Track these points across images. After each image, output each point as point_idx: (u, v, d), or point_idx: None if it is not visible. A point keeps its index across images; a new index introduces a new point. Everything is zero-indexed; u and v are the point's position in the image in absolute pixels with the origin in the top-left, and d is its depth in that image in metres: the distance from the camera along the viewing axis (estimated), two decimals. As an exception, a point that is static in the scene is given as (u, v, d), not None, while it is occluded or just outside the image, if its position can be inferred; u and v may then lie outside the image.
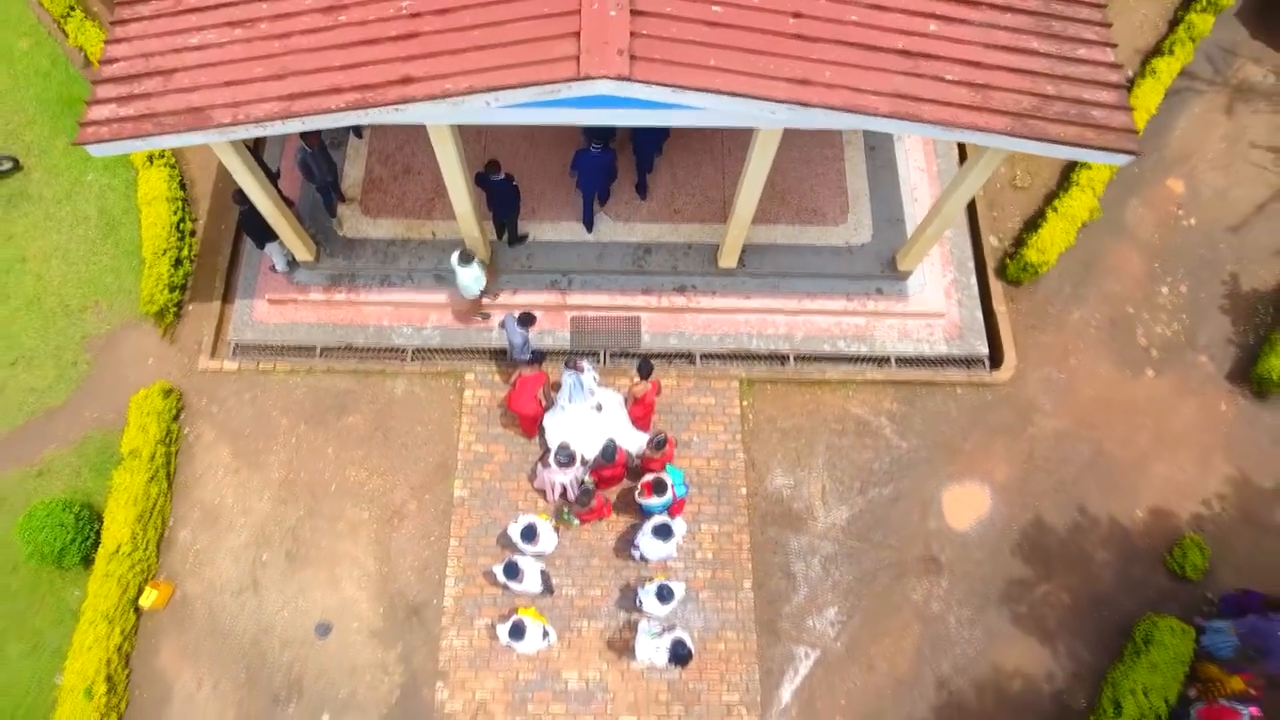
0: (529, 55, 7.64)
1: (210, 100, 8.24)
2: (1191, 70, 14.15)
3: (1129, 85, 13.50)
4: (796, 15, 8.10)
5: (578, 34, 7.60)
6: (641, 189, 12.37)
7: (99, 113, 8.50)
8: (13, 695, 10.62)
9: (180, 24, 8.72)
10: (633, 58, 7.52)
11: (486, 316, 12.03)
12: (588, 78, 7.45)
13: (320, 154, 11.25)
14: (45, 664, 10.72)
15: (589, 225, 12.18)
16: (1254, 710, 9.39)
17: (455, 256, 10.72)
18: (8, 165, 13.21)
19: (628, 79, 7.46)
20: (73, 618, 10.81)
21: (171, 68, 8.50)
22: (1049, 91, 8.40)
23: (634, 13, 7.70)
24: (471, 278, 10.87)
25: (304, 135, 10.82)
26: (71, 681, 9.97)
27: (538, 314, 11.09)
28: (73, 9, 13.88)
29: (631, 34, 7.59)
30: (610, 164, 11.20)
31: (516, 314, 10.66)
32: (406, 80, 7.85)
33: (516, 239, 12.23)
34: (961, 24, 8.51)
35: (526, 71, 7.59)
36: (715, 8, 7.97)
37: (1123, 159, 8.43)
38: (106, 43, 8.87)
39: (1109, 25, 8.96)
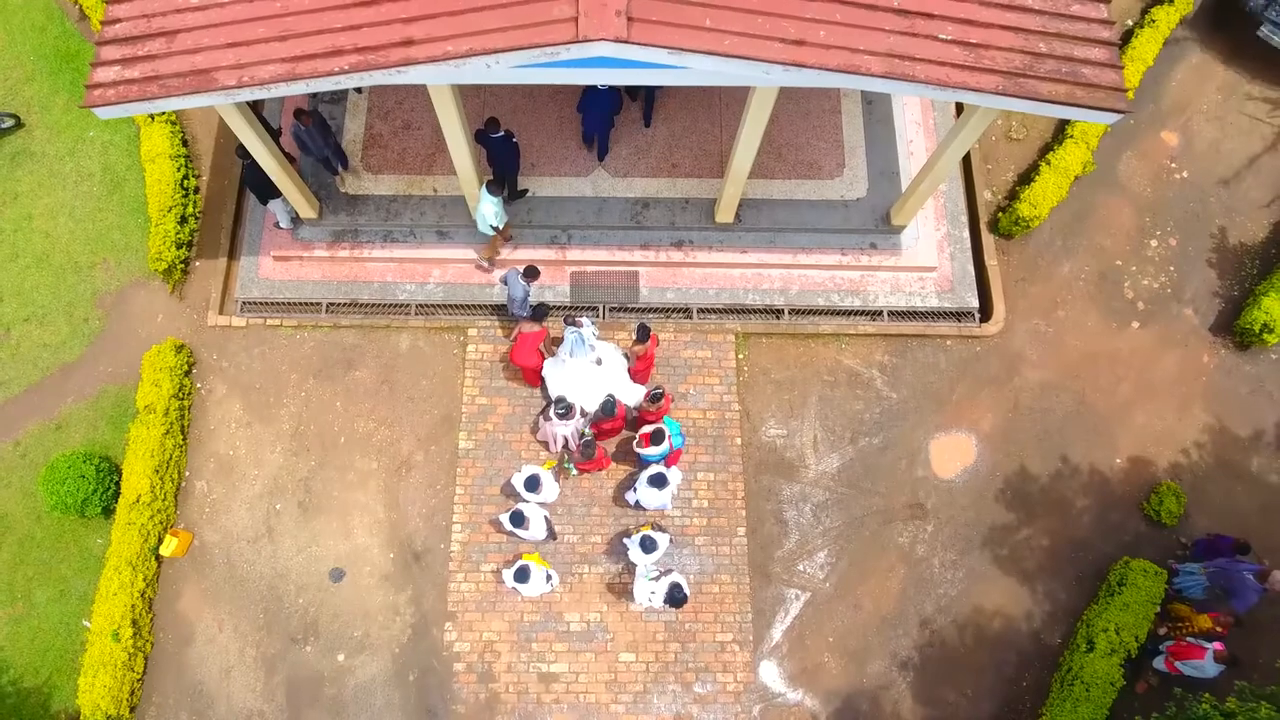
0: (528, 17, 7.74)
1: (214, 62, 8.36)
2: (1191, 19, 14.12)
3: (1123, 42, 13.50)
4: (792, -25, 8.17)
5: (575, -4, 7.69)
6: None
7: (104, 75, 8.61)
8: (43, 638, 11.17)
9: (181, -16, 8.76)
10: (630, 19, 7.63)
11: (490, 267, 12.21)
12: (586, 40, 7.58)
13: (316, 128, 11.32)
14: (72, 609, 11.26)
15: (602, 155, 12.57)
16: (1218, 646, 9.93)
17: (484, 186, 10.87)
18: (9, 123, 13.26)
19: (626, 41, 7.59)
20: (97, 565, 11.31)
21: (174, 28, 8.58)
22: (1041, 49, 8.51)
23: (631, -26, 7.78)
24: (493, 211, 11.02)
25: (297, 113, 10.93)
26: (99, 625, 10.49)
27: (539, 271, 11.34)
28: (65, -39, 13.77)
29: (628, -5, 7.68)
30: (617, 99, 11.55)
31: (520, 269, 10.89)
32: (408, 42, 7.97)
33: (516, 194, 12.39)
34: (957, -19, 8.57)
35: (526, 34, 7.71)
36: (711, -33, 8.03)
37: (1111, 117, 8.60)
38: (108, 2, 8.91)
39: (1102, -19, 9.00)
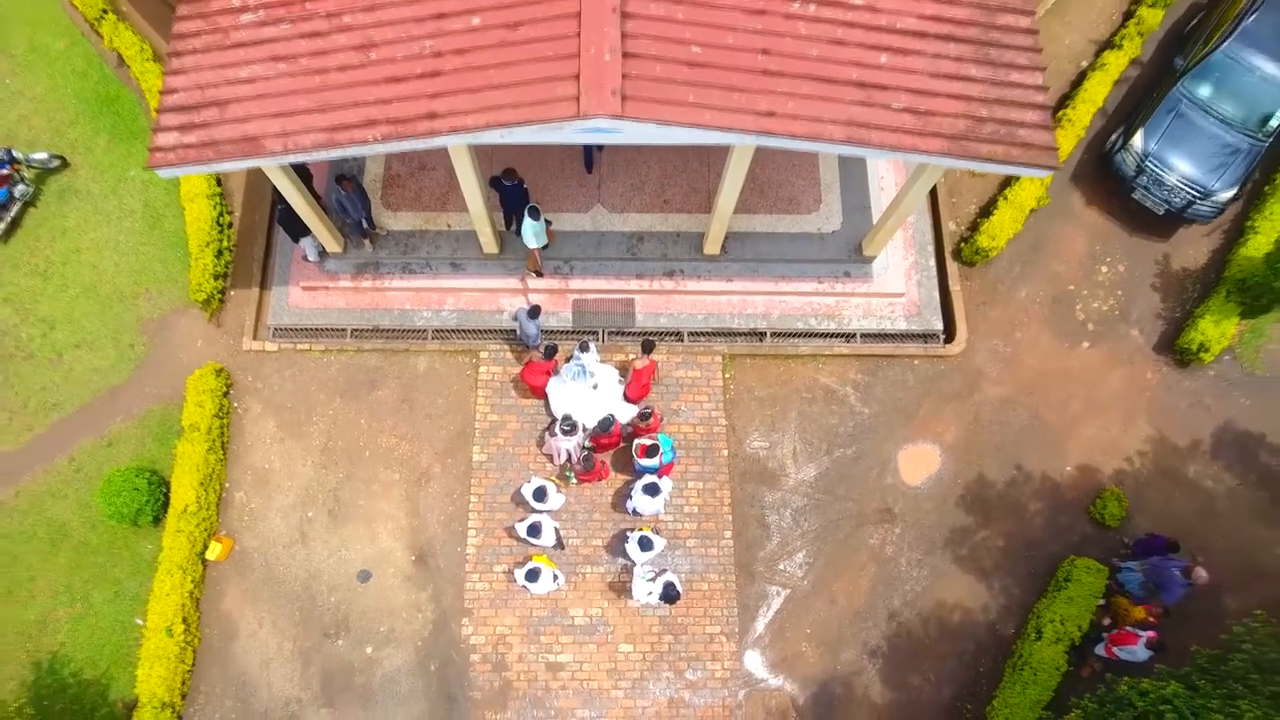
0: (536, 95, 8.99)
1: (262, 130, 9.59)
2: (1140, 60, 15.36)
3: (1075, 84, 14.79)
4: (765, 52, 9.42)
5: (577, 76, 8.94)
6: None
7: (164, 140, 9.84)
8: (100, 635, 12.41)
9: (230, 58, 9.99)
10: (624, 97, 8.88)
11: (540, 274, 13.46)
12: (587, 116, 8.82)
13: (355, 194, 12.50)
14: (125, 608, 12.49)
15: (589, 168, 13.83)
16: (1150, 634, 11.19)
17: (528, 209, 12.06)
18: (56, 163, 14.48)
19: (620, 117, 8.84)
20: (147, 568, 12.55)
21: (226, 99, 9.82)
22: (982, 114, 9.77)
23: (625, 55, 9.03)
24: (533, 232, 12.23)
25: (339, 179, 12.13)
26: (154, 622, 11.73)
27: (542, 300, 12.60)
28: (105, 11, 14.95)
29: (623, 76, 8.93)
30: None
31: (526, 309, 12.15)
32: (433, 115, 9.21)
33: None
34: (912, 55, 9.83)
35: (535, 110, 8.96)
36: (694, 48, 9.28)
37: (1044, 173, 9.86)
38: (165, 74, 10.14)
39: (1039, 50, 10.25)
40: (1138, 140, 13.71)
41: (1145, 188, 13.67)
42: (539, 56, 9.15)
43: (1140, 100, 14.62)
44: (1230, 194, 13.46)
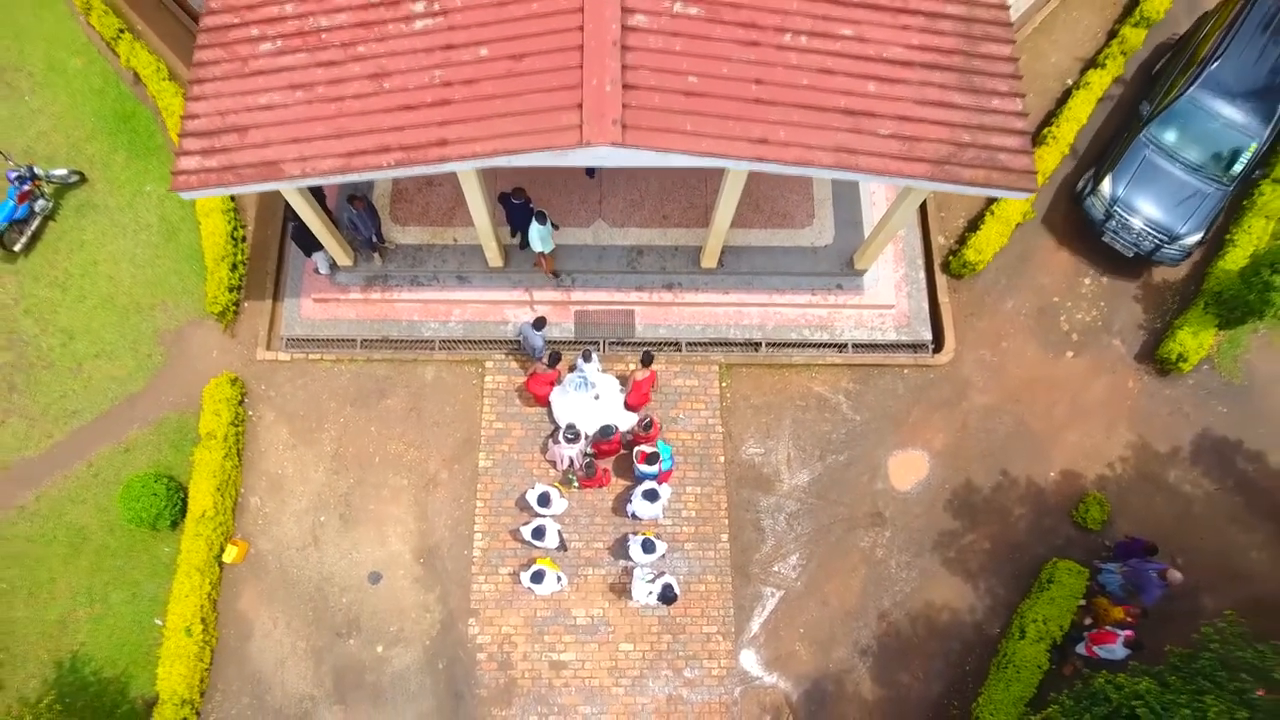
0: (541, 124, 9.49)
1: (281, 155, 10.09)
2: (1124, 78, 15.88)
3: (1060, 101, 15.32)
4: (758, 82, 9.93)
5: (580, 106, 9.44)
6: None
7: (187, 163, 10.34)
8: (119, 635, 12.90)
9: (249, 85, 10.48)
10: (624, 126, 9.38)
11: (556, 274, 14.00)
12: (589, 144, 9.32)
13: (366, 213, 13.02)
14: (144, 609, 12.99)
15: (590, 174, 14.42)
16: (1128, 634, 11.71)
17: (535, 214, 12.58)
18: (75, 178, 14.97)
19: (621, 145, 9.34)
20: (164, 570, 13.05)
21: (245, 125, 10.31)
22: (964, 140, 10.27)
23: (625, 87, 9.53)
24: (539, 236, 12.75)
25: (350, 198, 12.65)
26: (173, 623, 12.22)
27: (545, 311, 13.10)
28: (122, 31, 15.43)
29: (624, 106, 9.43)
30: None
31: (530, 321, 12.66)
32: (443, 143, 9.71)
33: (528, 244, 14.12)
34: (898, 83, 10.33)
35: (540, 138, 9.46)
36: (691, 78, 9.79)
37: (1023, 195, 10.36)
38: (187, 100, 10.62)
39: (1020, 77, 10.75)
40: (1106, 185, 14.06)
41: (1114, 232, 14.02)
42: (543, 87, 9.64)
43: (1108, 144, 15.01)
44: (1197, 238, 13.80)
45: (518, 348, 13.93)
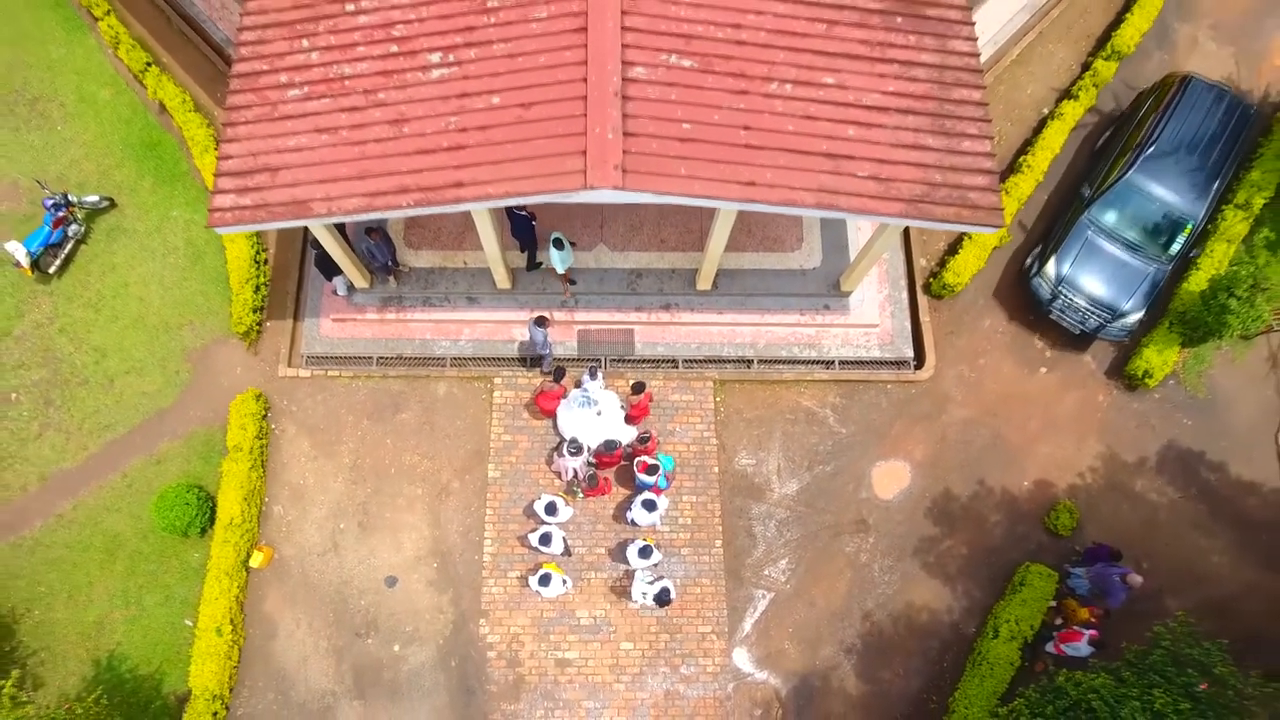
0: (549, 169, 10.39)
1: (309, 195, 10.99)
2: (1097, 108, 16.77)
3: (1036, 131, 16.23)
4: (746, 128, 10.83)
5: (584, 152, 10.34)
6: None
7: (222, 201, 11.23)
8: (153, 635, 13.80)
9: (278, 129, 11.38)
10: (625, 171, 10.28)
11: (573, 282, 14.86)
12: (592, 187, 10.22)
13: (383, 242, 13.92)
14: (175, 611, 13.89)
15: None
16: (1093, 633, 12.61)
17: (552, 240, 13.51)
18: (105, 204, 15.86)
19: (622, 188, 10.24)
20: (194, 575, 13.94)
21: (276, 166, 11.21)
22: (937, 180, 11.17)
23: (626, 134, 10.43)
24: (559, 259, 13.72)
25: (368, 230, 13.56)
26: (204, 624, 13.12)
27: (551, 330, 14.00)
28: (149, 64, 16.33)
29: (624, 152, 10.34)
30: None
31: (532, 319, 13.60)
32: (458, 184, 10.61)
33: (533, 265, 15.06)
34: (875, 128, 11.23)
35: (547, 181, 10.37)
36: (685, 125, 10.69)
37: (991, 230, 11.26)
38: (221, 141, 11.53)
39: (989, 120, 11.65)
40: (1051, 266, 14.63)
41: (1060, 310, 14.59)
42: (550, 134, 10.55)
43: (1052, 225, 15.60)
44: (1139, 315, 14.39)
45: (524, 365, 14.82)
